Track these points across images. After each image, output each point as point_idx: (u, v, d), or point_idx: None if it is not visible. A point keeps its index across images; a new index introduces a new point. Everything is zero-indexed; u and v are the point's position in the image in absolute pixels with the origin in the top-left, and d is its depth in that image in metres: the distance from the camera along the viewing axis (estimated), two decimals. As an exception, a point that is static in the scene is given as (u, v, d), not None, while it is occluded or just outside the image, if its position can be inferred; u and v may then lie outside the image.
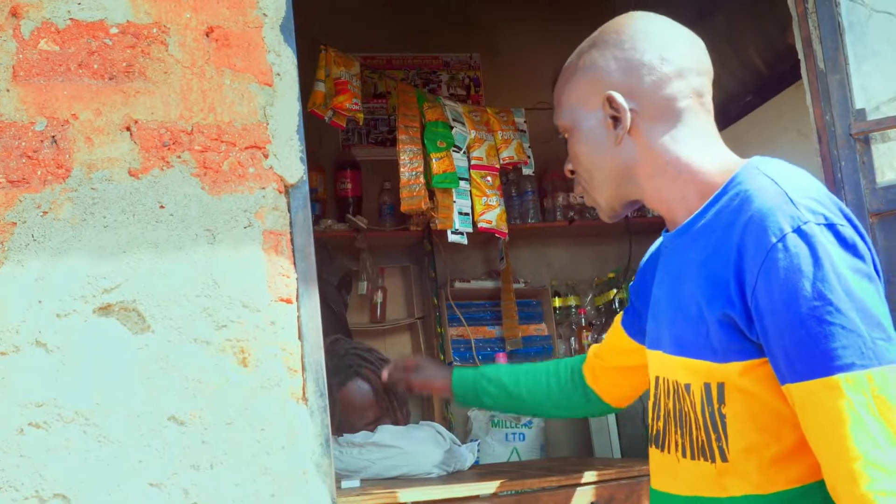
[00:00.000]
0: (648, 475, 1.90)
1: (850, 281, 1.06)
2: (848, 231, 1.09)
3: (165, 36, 1.57)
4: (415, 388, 1.94)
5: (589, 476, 1.88)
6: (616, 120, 1.27)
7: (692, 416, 1.19)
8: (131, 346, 1.47)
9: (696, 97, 1.26)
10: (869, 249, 1.12)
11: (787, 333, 1.07)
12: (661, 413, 1.28)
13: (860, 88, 1.92)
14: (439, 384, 1.89)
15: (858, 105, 1.91)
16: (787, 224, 1.08)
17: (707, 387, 1.16)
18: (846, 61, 1.92)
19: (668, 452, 1.25)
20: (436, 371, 1.92)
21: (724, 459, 1.15)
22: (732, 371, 1.13)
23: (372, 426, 2.30)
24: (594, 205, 1.37)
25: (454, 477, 2.08)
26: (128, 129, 1.53)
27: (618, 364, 1.62)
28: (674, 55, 1.25)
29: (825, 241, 1.07)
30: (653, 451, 1.32)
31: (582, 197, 1.39)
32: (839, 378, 1.04)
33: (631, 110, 1.25)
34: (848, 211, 1.14)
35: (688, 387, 1.20)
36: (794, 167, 1.20)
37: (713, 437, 1.16)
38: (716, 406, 1.15)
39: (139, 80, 1.54)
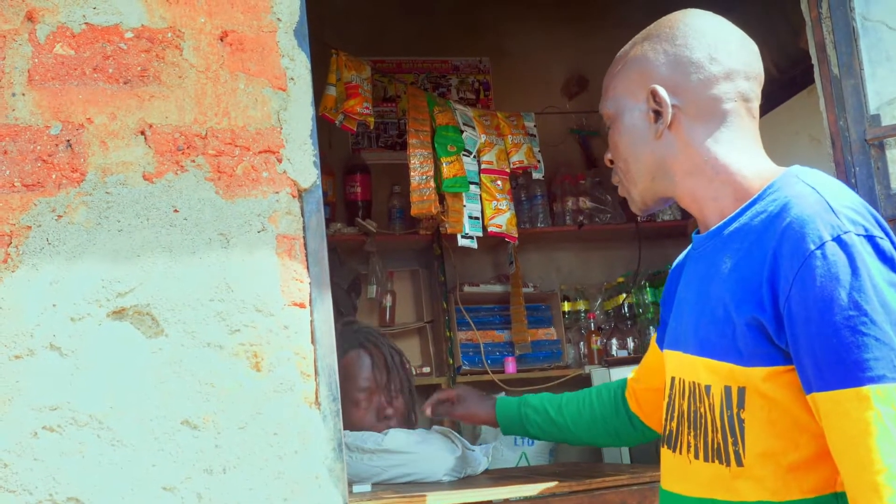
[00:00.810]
0: (658, 482, 1.90)
1: (886, 294, 1.05)
2: (886, 244, 1.09)
3: (180, 40, 1.57)
4: (459, 420, 1.96)
5: (600, 482, 1.87)
6: (658, 114, 1.27)
7: (708, 417, 1.18)
8: (145, 350, 1.47)
9: (742, 101, 1.26)
10: None
11: (819, 341, 1.06)
12: (675, 414, 1.27)
13: (875, 94, 1.92)
14: (483, 415, 1.91)
15: (873, 110, 1.90)
16: (826, 232, 1.08)
17: (728, 390, 1.16)
18: (861, 66, 1.92)
19: (680, 453, 1.25)
20: (479, 402, 1.94)
21: (740, 464, 1.14)
22: (756, 376, 1.13)
23: (365, 399, 2.30)
24: (627, 196, 1.37)
25: (465, 482, 2.08)
26: (142, 133, 1.53)
27: (657, 385, 1.57)
28: (724, 56, 1.25)
29: (864, 252, 1.07)
30: (664, 452, 1.31)
31: (617, 185, 1.38)
32: (869, 389, 1.03)
33: (673, 106, 1.26)
34: (885, 223, 1.14)
35: (708, 388, 1.20)
36: (833, 178, 1.20)
37: (730, 440, 1.16)
38: (735, 410, 1.15)
39: (154, 85, 1.55)
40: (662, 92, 1.25)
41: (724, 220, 1.23)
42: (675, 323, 1.31)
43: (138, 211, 1.50)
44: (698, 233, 1.31)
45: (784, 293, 1.09)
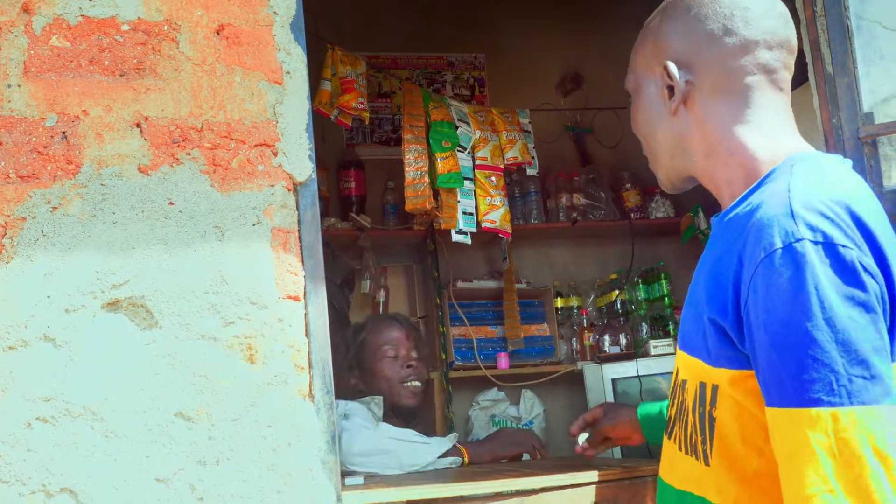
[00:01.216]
0: (652, 476, 1.91)
1: (836, 309, 0.97)
2: (851, 254, 0.99)
3: (176, 33, 1.57)
4: (610, 437, 1.93)
5: (592, 476, 1.88)
6: (672, 90, 1.20)
7: (689, 412, 1.15)
8: (139, 341, 1.48)
9: (765, 73, 1.17)
10: (885, 274, 1.02)
11: (763, 355, 1.01)
12: (676, 401, 1.24)
13: (868, 92, 1.93)
14: (627, 421, 1.88)
15: (867, 109, 1.91)
16: (778, 239, 1.00)
17: (702, 386, 1.12)
18: (855, 65, 1.93)
19: (673, 442, 1.22)
20: (621, 409, 1.91)
21: (707, 463, 1.11)
22: (723, 378, 1.08)
23: (393, 351, 2.58)
24: (655, 173, 1.31)
25: (458, 474, 2.08)
26: (138, 125, 1.53)
27: None
28: (741, 26, 1.16)
29: (817, 261, 0.98)
30: (664, 439, 1.28)
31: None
32: (802, 412, 0.97)
33: (687, 82, 1.19)
34: (872, 228, 1.03)
35: (684, 383, 1.18)
36: (835, 170, 1.12)
37: (700, 438, 1.12)
38: (707, 408, 1.11)
39: (150, 77, 1.55)
40: (673, 68, 1.19)
41: (732, 204, 1.17)
42: (683, 310, 1.27)
43: (133, 203, 1.51)
44: (717, 215, 1.23)
45: (743, 299, 1.03)
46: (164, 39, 1.56)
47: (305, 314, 1.57)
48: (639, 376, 3.62)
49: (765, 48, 1.17)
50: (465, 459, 2.28)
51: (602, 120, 4.44)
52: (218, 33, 1.59)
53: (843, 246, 0.99)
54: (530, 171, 3.64)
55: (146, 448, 1.45)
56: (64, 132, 1.50)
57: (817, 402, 0.96)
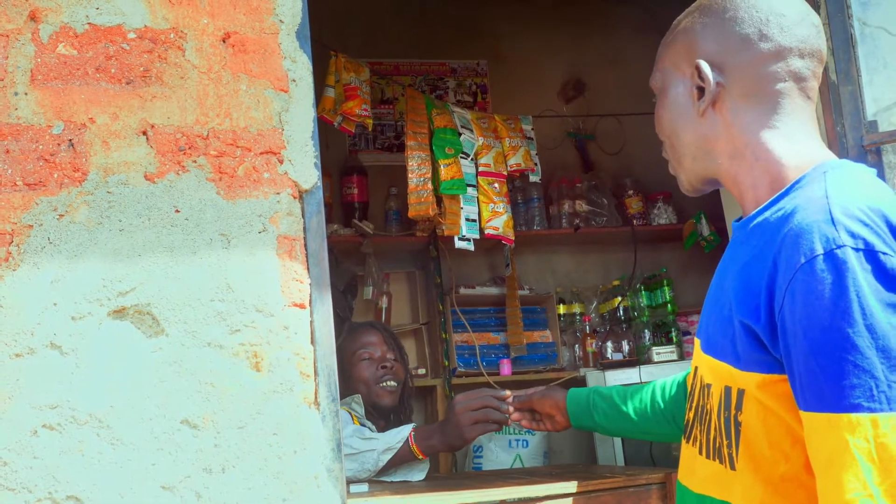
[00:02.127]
0: (656, 484, 1.91)
1: (877, 316, 0.98)
2: (892, 261, 1.00)
3: (182, 41, 1.58)
4: (536, 409, 1.96)
5: (596, 484, 1.88)
6: (702, 91, 1.20)
7: (713, 416, 1.15)
8: (145, 349, 1.48)
9: (796, 81, 1.18)
10: None
11: (802, 360, 1.01)
12: (694, 405, 1.24)
13: (872, 100, 1.93)
14: (556, 398, 1.90)
15: (870, 116, 1.92)
16: (819, 245, 1.01)
17: (727, 391, 1.12)
18: (858, 73, 1.93)
19: (693, 445, 1.22)
20: (557, 390, 1.94)
21: (733, 467, 1.11)
22: (751, 381, 1.08)
23: (369, 355, 2.62)
24: (675, 175, 1.31)
25: (460, 482, 2.08)
26: (144, 133, 1.53)
27: None
28: (776, 32, 1.16)
29: (858, 268, 0.99)
30: (682, 443, 1.28)
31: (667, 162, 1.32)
32: (842, 417, 0.97)
33: (718, 84, 1.19)
34: None
35: (709, 387, 1.17)
36: (866, 177, 1.12)
37: (725, 442, 1.12)
38: (732, 412, 1.11)
39: (156, 85, 1.55)
40: (706, 68, 1.19)
41: (757, 209, 1.16)
42: (703, 312, 1.27)
43: (140, 211, 1.51)
44: (739, 220, 1.24)
45: (778, 303, 1.04)
46: (171, 47, 1.57)
47: (311, 322, 1.57)
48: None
49: (797, 56, 1.17)
50: (419, 456, 2.23)
51: (604, 126, 4.44)
52: (224, 41, 1.60)
53: (884, 253, 1.00)
54: (533, 178, 3.65)
55: (152, 456, 1.45)
56: (70, 140, 1.50)
57: (857, 408, 0.97)
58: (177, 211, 1.53)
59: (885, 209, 1.04)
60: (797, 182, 1.13)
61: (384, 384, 2.61)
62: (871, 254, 1.00)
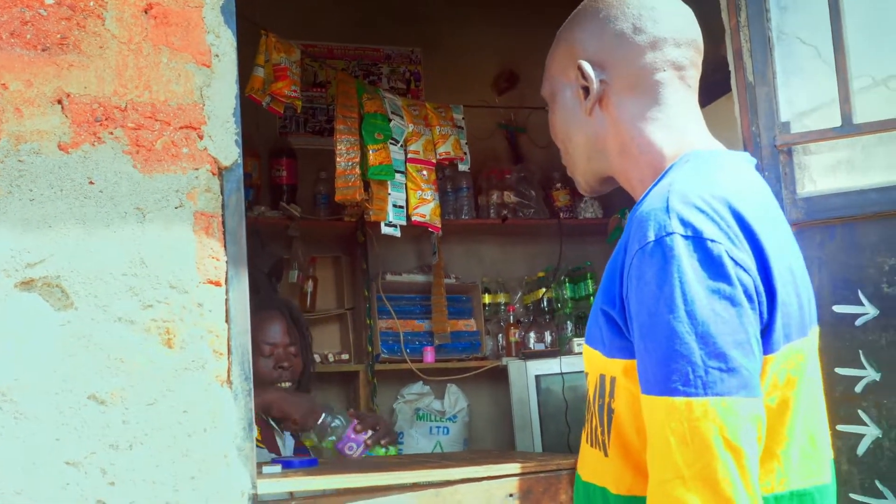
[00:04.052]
0: (566, 470, 1.95)
1: (698, 302, 1.00)
2: (719, 248, 1.02)
3: (102, 10, 1.54)
4: None
5: (508, 468, 1.90)
6: (587, 90, 1.22)
7: (593, 404, 1.18)
8: (53, 322, 1.45)
9: (675, 70, 1.20)
10: (764, 271, 1.05)
11: (636, 344, 1.05)
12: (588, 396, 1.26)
13: (786, 102, 1.99)
14: None
15: (784, 118, 1.97)
16: (652, 232, 1.03)
17: (602, 378, 1.14)
18: (774, 75, 1.99)
19: (584, 434, 1.24)
20: None
21: (606, 454, 1.13)
22: (618, 368, 1.10)
23: (270, 350, 2.59)
24: (573, 177, 1.33)
25: (375, 465, 2.09)
26: (59, 102, 1.50)
27: None
28: (649, 25, 1.20)
29: (685, 255, 1.01)
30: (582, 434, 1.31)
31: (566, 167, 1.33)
32: (662, 400, 1.00)
33: (602, 81, 1.21)
34: (754, 226, 1.05)
35: (586, 375, 1.20)
36: (725, 166, 1.15)
37: (601, 430, 1.14)
38: (607, 399, 1.13)
39: (73, 54, 1.52)
40: (588, 67, 1.21)
41: (637, 202, 1.19)
42: None
43: (52, 181, 1.48)
44: None
45: (625, 289, 1.07)
46: (90, 16, 1.54)
47: (226, 300, 1.56)
48: (562, 373, 3.68)
49: (673, 45, 1.20)
50: None
51: (536, 119, 4.48)
52: (146, 12, 1.57)
53: (712, 240, 1.02)
54: (462, 167, 3.66)
55: (56, 431, 1.43)
56: (-19, 105, 1.46)
57: (674, 392, 0.99)
58: (91, 183, 1.50)
59: (731, 197, 1.06)
60: (666, 171, 1.16)
61: (280, 384, 2.60)
62: (699, 241, 1.02)
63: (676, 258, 1.01)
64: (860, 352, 1.89)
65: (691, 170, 1.12)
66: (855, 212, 1.92)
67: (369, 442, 2.47)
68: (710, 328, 1.00)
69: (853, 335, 1.90)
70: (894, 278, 1.88)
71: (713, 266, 1.01)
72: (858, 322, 1.90)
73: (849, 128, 1.92)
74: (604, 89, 1.22)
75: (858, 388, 1.88)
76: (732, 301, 1.01)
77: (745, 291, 1.03)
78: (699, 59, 1.24)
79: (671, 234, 1.02)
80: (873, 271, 1.90)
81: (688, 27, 1.22)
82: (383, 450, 2.51)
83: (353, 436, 2.44)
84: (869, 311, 1.89)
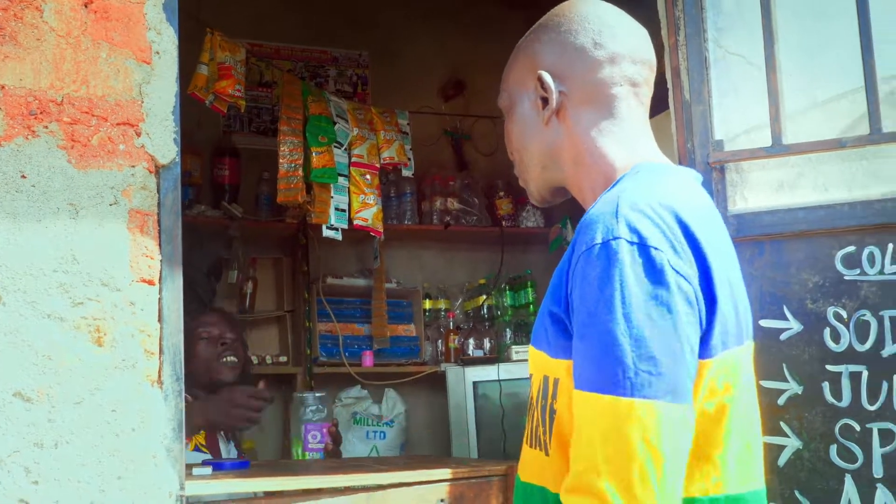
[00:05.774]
0: (498, 476, 1.97)
1: (636, 306, 1.03)
2: (661, 256, 1.05)
3: (41, 2, 1.52)
4: None
5: (440, 474, 1.92)
6: (546, 101, 1.26)
7: (535, 405, 1.20)
8: (-21, 317, 1.42)
9: (630, 85, 1.25)
10: (705, 279, 1.08)
11: (574, 342, 1.08)
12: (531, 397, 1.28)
13: (720, 121, 2.03)
14: None
15: (718, 136, 2.02)
16: (600, 235, 1.07)
17: (545, 379, 1.17)
18: (710, 94, 2.03)
19: (524, 436, 1.26)
20: None
21: (547, 453, 1.15)
22: (562, 368, 1.13)
23: (207, 336, 2.67)
24: (525, 187, 1.36)
25: (305, 468, 2.09)
26: (-7, 93, 1.47)
27: None
28: (609, 41, 1.24)
29: (628, 260, 1.05)
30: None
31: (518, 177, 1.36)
32: (590, 396, 1.04)
33: (560, 93, 1.25)
34: (699, 237, 1.09)
35: (531, 376, 1.22)
36: (673, 178, 1.19)
37: (542, 429, 1.17)
38: (549, 400, 1.15)
39: (9, 45, 1.50)
40: (548, 78, 1.25)
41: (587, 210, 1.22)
42: None
43: (-17, 173, 1.45)
44: None
45: (570, 289, 1.11)
46: (28, 7, 1.51)
47: (160, 299, 1.54)
48: (500, 380, 3.71)
49: (630, 62, 1.25)
50: None
51: (481, 127, 4.52)
52: (86, 6, 1.55)
53: (656, 248, 1.06)
54: (406, 172, 3.67)
55: (-21, 428, 1.40)
56: (-89, 94, 1.43)
57: (603, 389, 1.03)
58: (23, 176, 1.47)
59: (677, 207, 1.10)
60: (618, 181, 1.20)
61: (224, 360, 2.65)
62: (643, 247, 1.05)
63: (620, 262, 1.05)
64: (784, 365, 1.94)
65: (642, 179, 1.16)
66: (783, 229, 1.97)
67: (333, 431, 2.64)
68: (644, 332, 1.03)
69: (778, 349, 1.95)
70: (818, 295, 1.94)
71: (654, 273, 1.05)
72: (783, 336, 1.95)
73: (779, 148, 1.97)
74: (562, 100, 1.26)
75: (781, 401, 1.94)
76: (669, 308, 1.04)
77: (686, 299, 1.06)
78: (652, 78, 1.29)
79: (617, 238, 1.06)
80: (798, 288, 1.95)
81: (644, 46, 1.27)
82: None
83: (323, 429, 2.54)
84: (793, 325, 1.95)
